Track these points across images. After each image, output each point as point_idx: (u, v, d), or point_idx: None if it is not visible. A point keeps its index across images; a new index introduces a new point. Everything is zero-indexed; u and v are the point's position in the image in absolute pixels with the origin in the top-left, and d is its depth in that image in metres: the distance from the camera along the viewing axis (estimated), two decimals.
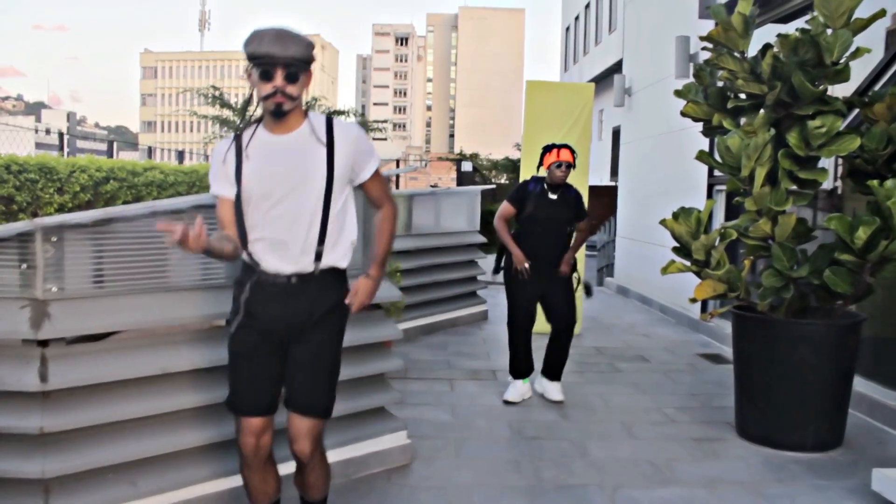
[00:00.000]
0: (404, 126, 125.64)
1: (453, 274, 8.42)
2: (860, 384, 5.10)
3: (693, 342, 7.95)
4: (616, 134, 21.43)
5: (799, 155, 4.15)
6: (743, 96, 4.44)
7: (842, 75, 4.16)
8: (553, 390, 5.56)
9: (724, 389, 5.91)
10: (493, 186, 10.70)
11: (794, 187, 4.26)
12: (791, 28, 4.45)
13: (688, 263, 4.34)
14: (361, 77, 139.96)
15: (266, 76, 2.51)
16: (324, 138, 2.66)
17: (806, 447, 4.44)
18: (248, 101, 2.72)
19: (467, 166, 15.21)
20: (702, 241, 4.11)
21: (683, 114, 4.60)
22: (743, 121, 4.28)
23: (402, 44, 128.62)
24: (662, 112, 10.15)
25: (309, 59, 2.59)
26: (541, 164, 5.41)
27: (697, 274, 4.34)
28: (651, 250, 10.36)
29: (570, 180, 5.43)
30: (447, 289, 8.37)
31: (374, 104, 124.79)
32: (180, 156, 14.43)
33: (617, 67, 20.19)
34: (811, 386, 4.40)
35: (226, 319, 3.01)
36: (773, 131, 4.09)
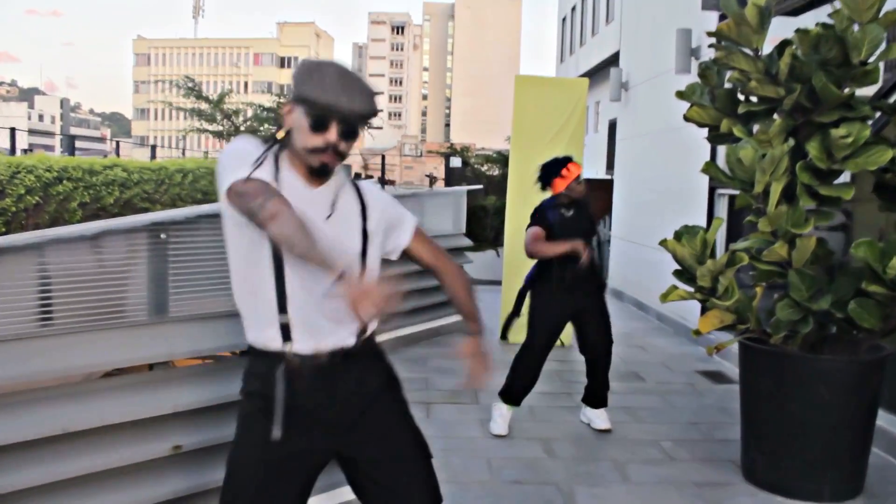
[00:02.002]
0: (400, 115, 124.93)
1: (436, 280, 7.87)
2: (880, 417, 4.58)
3: (692, 356, 7.42)
4: (612, 127, 20.88)
5: (820, 168, 3.61)
6: (754, 99, 3.89)
7: (870, 77, 3.61)
8: (598, 419, 5.09)
9: (726, 417, 5.39)
10: (481, 186, 10.16)
11: (814, 205, 3.71)
12: (809, 22, 3.90)
13: (691, 290, 3.80)
14: (357, 66, 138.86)
15: (319, 126, 2.00)
16: (357, 196, 2.19)
17: (823, 497, 3.91)
18: (273, 139, 2.09)
19: (456, 162, 14.59)
20: (708, 266, 3.57)
21: (687, 118, 4.05)
22: (756, 128, 3.73)
23: (398, 32, 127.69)
24: (661, 108, 9.60)
25: (372, 115, 2.08)
26: (548, 185, 4.89)
27: (702, 302, 3.81)
28: (648, 253, 9.83)
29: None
30: (429, 296, 7.82)
31: None
32: (153, 150, 13.81)
33: (613, 59, 19.64)
34: (829, 429, 3.87)
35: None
36: (791, 141, 3.55)
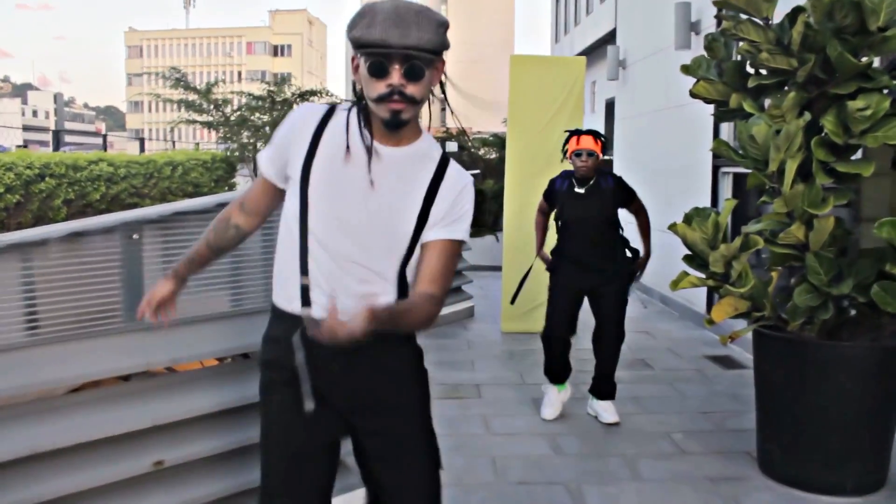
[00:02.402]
0: None
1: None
2: None
3: (699, 340, 7.21)
4: (609, 106, 20.60)
5: (836, 143, 3.38)
6: (765, 72, 3.66)
7: (889, 44, 3.37)
8: (605, 412, 4.88)
9: (738, 405, 5.19)
10: (478, 171, 9.91)
11: (830, 183, 3.49)
12: None
13: (703, 276, 3.59)
14: (351, 52, 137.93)
15: (378, 70, 1.82)
16: (433, 169, 1.98)
17: (845, 490, 3.71)
18: (357, 97, 1.94)
19: (452, 146, 14.29)
20: (721, 251, 3.35)
21: (694, 94, 3.82)
22: (767, 102, 3.50)
23: None
24: (661, 86, 9.35)
25: (441, 48, 1.89)
26: (565, 155, 4.70)
27: (715, 289, 3.59)
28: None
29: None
30: None
31: None
32: (141, 143, 13.55)
33: (609, 38, 19.37)
34: (850, 418, 3.67)
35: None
36: (807, 116, 3.32)
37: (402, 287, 1.98)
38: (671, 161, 8.86)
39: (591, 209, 4.71)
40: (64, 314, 2.72)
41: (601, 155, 4.66)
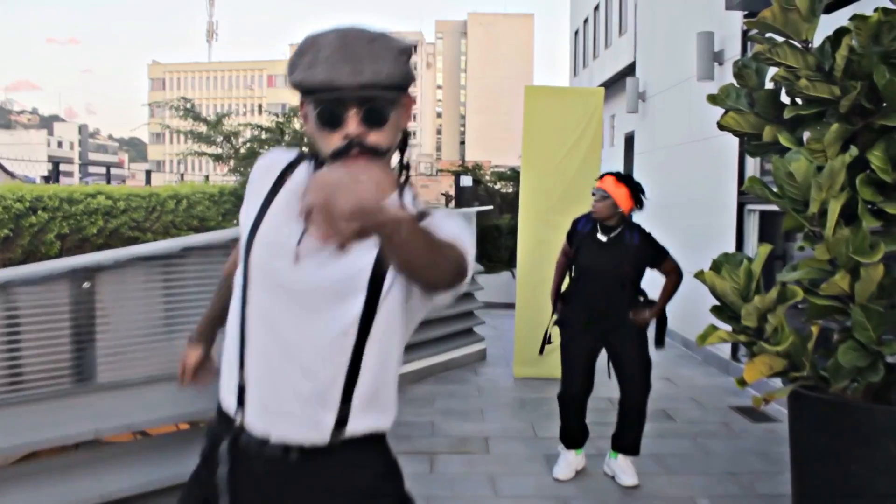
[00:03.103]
0: (415, 133, 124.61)
1: (446, 310, 7.28)
2: None
3: (724, 389, 6.76)
4: (629, 140, 20.25)
5: (885, 181, 2.99)
6: (801, 101, 3.28)
7: None
8: (624, 474, 4.43)
9: (769, 464, 4.75)
10: (491, 207, 9.57)
11: (878, 226, 3.09)
12: (866, 8, 3.29)
13: (733, 330, 3.18)
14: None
15: (330, 120, 1.42)
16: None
17: None
18: (312, 152, 1.56)
19: (466, 181, 13.92)
20: (755, 303, 2.95)
21: (722, 126, 3.44)
22: (806, 135, 3.13)
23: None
24: (682, 118, 8.99)
25: (406, 81, 1.47)
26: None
27: (747, 346, 3.19)
28: None
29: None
30: (438, 327, 7.23)
31: None
32: (147, 176, 13.33)
33: (629, 71, 19.09)
34: None
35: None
36: (853, 150, 2.93)
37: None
38: (693, 196, 8.47)
39: (608, 262, 4.31)
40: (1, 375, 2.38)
41: (623, 204, 4.23)
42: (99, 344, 2.45)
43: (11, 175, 24.66)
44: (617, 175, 4.29)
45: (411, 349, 6.87)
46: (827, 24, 3.20)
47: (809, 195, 2.93)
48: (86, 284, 2.53)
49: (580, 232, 4.43)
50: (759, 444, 5.21)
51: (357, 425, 1.50)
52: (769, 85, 3.39)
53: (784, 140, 3.11)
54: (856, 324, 3.00)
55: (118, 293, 2.62)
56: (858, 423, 3.26)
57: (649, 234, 4.39)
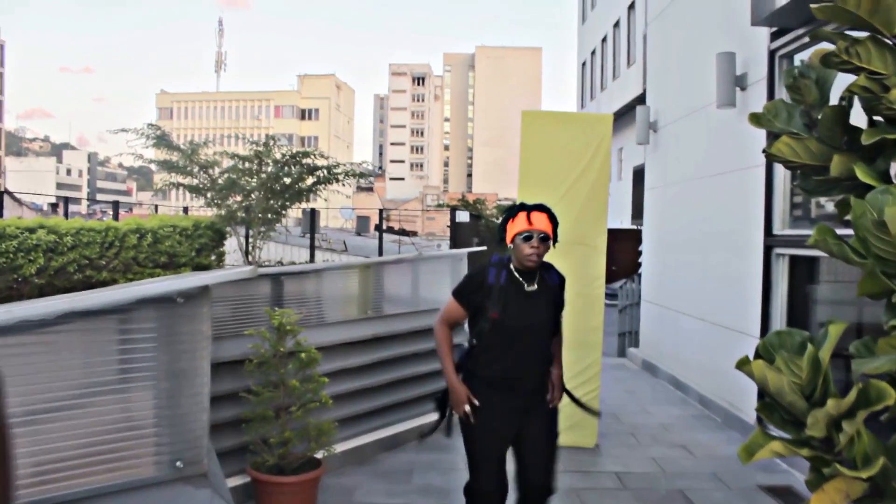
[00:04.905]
0: (422, 166, 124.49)
1: (432, 364, 6.35)
2: None
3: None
4: (638, 174, 19.47)
5: None
6: (881, 120, 2.39)
7: None
8: None
9: None
10: (485, 248, 8.70)
11: None
12: None
13: (785, 437, 2.27)
14: (379, 117, 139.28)
15: None
16: None
17: None
18: None
19: (463, 216, 12.99)
20: (828, 409, 2.04)
21: (771, 156, 2.55)
22: (894, 168, 2.25)
23: (419, 83, 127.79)
24: (699, 149, 8.12)
25: None
26: (503, 236, 3.45)
27: (813, 461, 2.27)
28: (685, 322, 8.27)
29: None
30: (423, 385, 6.32)
31: (392, 144, 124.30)
32: (115, 208, 12.41)
33: (637, 102, 18.39)
34: None
35: None
36: None
37: None
38: (711, 237, 7.58)
39: (541, 313, 3.44)
40: None
41: (555, 240, 3.43)
42: None
43: (20, 202, 24.08)
44: (546, 211, 3.41)
45: (387, 411, 5.96)
46: None
47: None
48: None
49: (493, 286, 3.42)
50: None
51: None
52: (835, 101, 2.50)
53: (862, 174, 2.21)
54: None
55: None
56: None
57: (564, 280, 3.60)
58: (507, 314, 3.34)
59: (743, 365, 2.21)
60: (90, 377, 2.05)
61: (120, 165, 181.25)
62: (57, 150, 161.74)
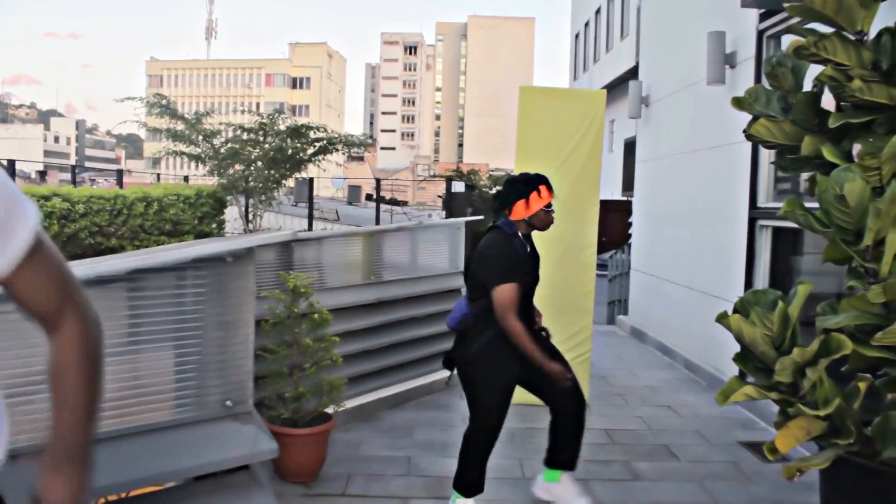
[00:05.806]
0: (413, 135, 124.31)
1: (430, 328, 6.70)
2: None
3: (732, 420, 6.19)
4: (629, 147, 19.75)
5: None
6: (847, 105, 2.70)
7: None
8: (573, 495, 4.03)
9: None
10: (482, 217, 9.02)
11: None
12: None
13: (757, 383, 2.61)
14: (370, 86, 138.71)
15: None
16: None
17: None
18: None
19: (458, 186, 13.34)
20: (794, 356, 2.37)
21: (750, 135, 2.86)
22: (857, 148, 2.56)
23: (410, 53, 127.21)
24: (689, 124, 8.42)
25: None
26: (509, 207, 3.79)
27: (780, 403, 2.61)
28: (673, 290, 8.62)
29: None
30: (422, 347, 6.66)
31: (383, 113, 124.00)
32: (119, 176, 12.67)
33: (630, 76, 18.60)
34: None
35: None
36: None
37: None
38: (699, 209, 7.91)
39: (537, 269, 3.99)
40: None
41: None
42: None
43: (13, 173, 24.15)
44: (547, 180, 3.86)
45: (391, 372, 6.29)
46: (886, 14, 2.63)
47: (862, 223, 2.35)
48: None
49: (521, 255, 3.82)
50: (773, 489, 4.64)
51: None
52: (808, 87, 2.81)
53: (829, 154, 2.53)
54: None
55: None
56: None
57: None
58: (527, 276, 3.76)
59: (722, 318, 2.54)
60: (153, 325, 2.36)
61: (108, 133, 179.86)
62: (44, 118, 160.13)
